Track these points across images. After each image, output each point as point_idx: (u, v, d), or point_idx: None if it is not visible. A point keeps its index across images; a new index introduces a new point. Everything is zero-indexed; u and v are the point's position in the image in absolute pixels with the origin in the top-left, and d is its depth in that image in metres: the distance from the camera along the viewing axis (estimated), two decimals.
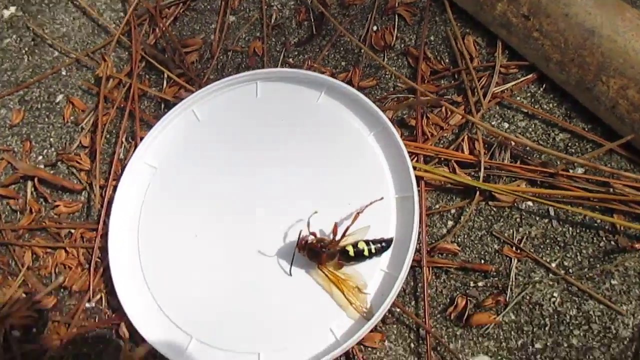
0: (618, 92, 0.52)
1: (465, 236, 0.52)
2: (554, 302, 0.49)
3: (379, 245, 0.48)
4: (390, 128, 0.53)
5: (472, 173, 0.53)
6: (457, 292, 0.50)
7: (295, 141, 0.56)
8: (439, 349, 0.49)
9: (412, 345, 0.50)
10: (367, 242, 0.48)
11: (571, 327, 0.48)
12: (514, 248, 0.51)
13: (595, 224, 0.50)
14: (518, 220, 0.52)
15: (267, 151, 0.56)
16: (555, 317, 0.48)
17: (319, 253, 0.48)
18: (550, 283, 0.49)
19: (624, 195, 0.50)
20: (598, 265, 0.49)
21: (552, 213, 0.52)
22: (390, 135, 0.53)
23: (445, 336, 0.49)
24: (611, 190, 0.50)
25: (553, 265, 0.50)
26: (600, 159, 0.52)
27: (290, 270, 0.50)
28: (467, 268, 0.51)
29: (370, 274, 0.49)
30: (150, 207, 0.57)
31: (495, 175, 0.53)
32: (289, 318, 0.50)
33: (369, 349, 0.50)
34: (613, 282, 0.48)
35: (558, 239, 0.51)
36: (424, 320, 0.49)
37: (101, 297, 0.57)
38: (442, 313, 0.50)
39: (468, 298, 0.50)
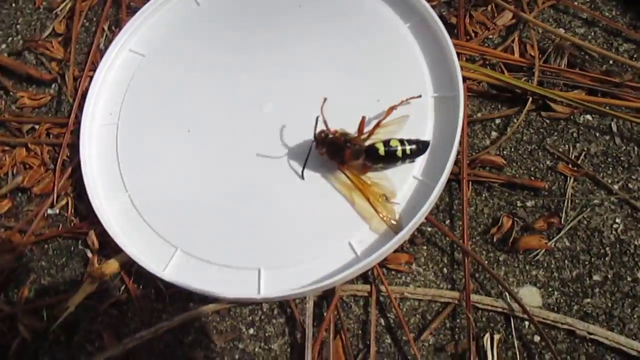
0: None
1: (512, 149, 0.44)
2: (616, 229, 0.41)
3: (414, 146, 0.40)
4: (431, 18, 0.44)
5: (524, 78, 0.45)
6: (502, 212, 0.42)
7: (315, 32, 0.47)
8: (477, 275, 0.41)
9: (445, 270, 0.41)
10: (401, 141, 0.39)
11: (636, 259, 0.40)
12: (570, 165, 0.43)
13: None
14: (575, 135, 0.44)
15: (281, 42, 0.47)
16: (617, 246, 0.40)
17: (342, 149, 0.39)
18: (612, 207, 0.41)
19: None
20: None
21: (614, 129, 0.44)
22: (429, 27, 0.44)
23: (486, 261, 0.41)
24: None
25: (616, 187, 0.42)
26: None
27: (302, 172, 0.41)
28: (515, 184, 0.42)
29: (402, 182, 0.41)
30: (133, 99, 0.48)
31: (550, 82, 0.45)
32: (297, 229, 0.41)
33: (393, 272, 0.41)
34: None
35: (621, 158, 0.43)
36: (461, 240, 0.41)
37: (67, 202, 0.48)
38: (482, 235, 0.42)
39: (515, 219, 0.41)
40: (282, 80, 0.46)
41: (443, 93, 0.43)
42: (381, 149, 0.39)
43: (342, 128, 0.41)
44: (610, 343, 0.38)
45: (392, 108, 0.40)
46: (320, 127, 0.40)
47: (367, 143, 0.40)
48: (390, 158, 0.40)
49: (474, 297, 0.40)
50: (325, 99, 0.41)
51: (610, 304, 0.39)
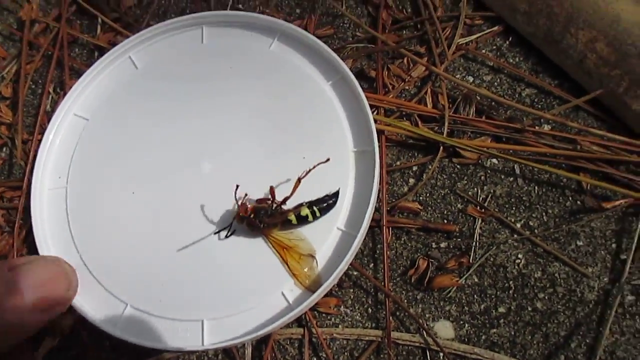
0: (587, 45, 0.49)
1: (428, 195, 0.49)
2: (518, 264, 0.46)
3: (323, 205, 0.44)
4: (349, 76, 0.48)
5: (436, 128, 0.50)
6: (418, 254, 0.47)
7: (245, 91, 0.50)
8: (398, 314, 0.46)
9: (370, 310, 0.46)
10: (310, 205, 0.44)
11: (536, 290, 0.45)
12: (478, 207, 0.48)
13: (562, 183, 0.48)
14: (483, 178, 0.49)
15: (214, 102, 0.51)
16: (520, 279, 0.46)
17: (257, 225, 0.44)
18: (515, 244, 0.46)
19: (591, 153, 0.47)
20: (564, 226, 0.47)
21: (517, 171, 0.49)
22: (348, 84, 0.49)
23: (405, 300, 0.46)
24: (578, 147, 0.48)
25: (518, 225, 0.47)
26: (567, 115, 0.50)
27: (226, 236, 0.45)
28: (430, 228, 0.47)
29: (326, 233, 0.45)
30: (80, 162, 0.51)
31: (460, 131, 0.50)
32: (235, 282, 0.45)
33: (323, 314, 0.46)
34: (579, 243, 0.46)
35: (523, 198, 0.48)
36: (383, 283, 0.46)
37: None
38: (402, 276, 0.47)
39: (430, 260, 0.46)
40: (218, 138, 0.49)
41: (362, 147, 0.47)
42: (293, 219, 0.44)
43: (257, 201, 0.45)
44: None
45: (300, 179, 0.44)
46: (240, 198, 0.45)
47: (281, 212, 0.44)
48: (303, 222, 0.44)
49: (395, 334, 0.45)
50: (237, 186, 0.45)
51: (513, 333, 0.44)
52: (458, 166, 0.49)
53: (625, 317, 0.44)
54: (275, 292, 0.44)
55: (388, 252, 0.47)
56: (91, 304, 0.46)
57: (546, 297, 0.45)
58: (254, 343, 0.46)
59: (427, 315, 0.45)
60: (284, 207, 0.44)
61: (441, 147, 0.49)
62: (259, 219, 0.43)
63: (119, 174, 0.50)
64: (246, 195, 0.45)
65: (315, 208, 0.43)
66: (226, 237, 0.45)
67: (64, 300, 0.43)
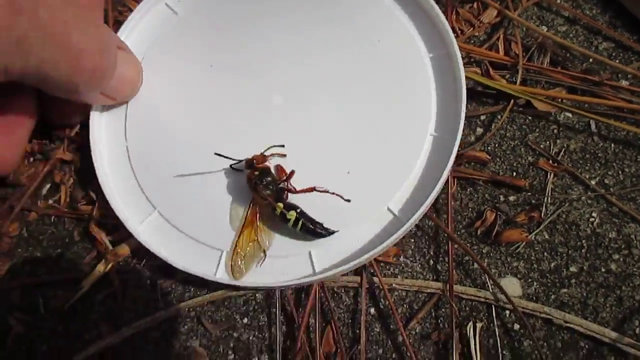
0: None
1: (496, 145, 0.46)
2: (592, 223, 0.43)
3: (310, 226, 0.40)
4: (456, 55, 0.44)
5: (507, 76, 0.47)
6: (486, 206, 0.44)
7: (325, 32, 0.47)
8: (461, 267, 0.43)
9: (432, 262, 0.43)
10: (300, 214, 0.40)
11: (610, 251, 0.42)
12: (550, 161, 0.45)
13: (639, 142, 0.45)
14: (555, 132, 0.46)
15: (291, 37, 0.47)
16: (593, 239, 0.43)
17: (252, 183, 0.41)
18: (589, 202, 0.43)
19: None
20: None
21: (593, 127, 0.46)
22: (452, 62, 0.45)
23: (467, 255, 0.43)
24: None
25: (593, 182, 0.44)
26: None
27: (231, 166, 0.43)
28: (498, 181, 0.44)
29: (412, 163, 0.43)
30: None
31: (533, 80, 0.47)
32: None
33: (382, 264, 0.43)
34: None
35: (599, 154, 0.45)
36: (446, 233, 0.43)
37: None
38: (467, 228, 0.44)
39: (498, 213, 0.43)
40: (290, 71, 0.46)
41: (441, 133, 0.44)
42: (278, 210, 0.41)
43: (275, 167, 0.43)
44: (585, 331, 0.40)
45: (314, 189, 0.41)
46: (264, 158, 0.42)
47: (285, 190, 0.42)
48: (284, 221, 0.41)
49: (458, 288, 0.42)
50: (272, 146, 0.43)
51: (585, 294, 0.41)
52: (529, 118, 0.46)
53: None
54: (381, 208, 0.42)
55: (453, 203, 0.44)
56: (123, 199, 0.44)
57: (621, 259, 0.42)
58: (303, 289, 0.42)
59: (493, 271, 0.42)
60: (287, 189, 0.42)
61: (513, 98, 0.46)
62: (261, 178, 0.41)
63: (183, 106, 0.47)
64: (273, 155, 0.42)
65: (301, 222, 0.40)
66: (230, 166, 0.43)
67: (135, 92, 0.46)
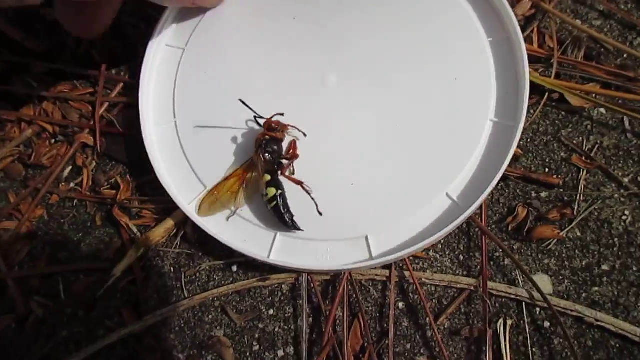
0: None
1: (529, 140, 0.45)
2: (624, 221, 0.42)
3: (281, 209, 0.40)
4: (518, 38, 0.43)
5: (541, 70, 0.46)
6: (517, 202, 0.43)
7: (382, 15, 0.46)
8: (492, 263, 0.42)
9: (462, 257, 0.43)
10: (280, 196, 0.40)
11: None
12: (583, 157, 0.44)
13: None
14: (589, 127, 0.45)
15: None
16: (626, 237, 0.42)
17: (257, 143, 0.41)
18: (622, 200, 0.43)
19: None
20: None
21: (627, 124, 0.45)
22: (513, 46, 0.44)
23: (501, 250, 0.42)
24: None
25: (626, 180, 0.43)
26: None
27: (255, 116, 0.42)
28: (531, 179, 0.43)
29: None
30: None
31: (567, 75, 0.46)
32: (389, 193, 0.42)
33: (411, 258, 0.42)
34: None
35: (632, 152, 0.44)
36: (478, 229, 0.42)
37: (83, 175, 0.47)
38: (498, 224, 0.43)
39: (530, 209, 0.43)
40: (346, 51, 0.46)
41: (504, 120, 0.42)
42: (264, 180, 0.40)
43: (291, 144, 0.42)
44: (616, 330, 0.40)
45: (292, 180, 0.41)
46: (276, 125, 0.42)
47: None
48: (262, 194, 0.41)
49: (490, 284, 0.41)
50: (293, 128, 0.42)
51: (616, 293, 0.41)
52: (563, 113, 0.46)
53: None
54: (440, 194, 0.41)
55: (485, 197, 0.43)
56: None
57: None
58: (331, 281, 0.42)
59: (524, 267, 0.42)
60: (284, 167, 0.41)
61: (547, 91, 0.45)
62: (268, 144, 0.41)
63: (234, 86, 0.46)
64: (289, 128, 0.42)
65: (274, 203, 0.40)
66: (255, 115, 0.42)
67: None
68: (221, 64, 0.46)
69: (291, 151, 0.42)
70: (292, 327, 0.42)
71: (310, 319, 0.42)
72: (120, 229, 0.45)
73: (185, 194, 0.43)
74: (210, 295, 0.43)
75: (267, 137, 0.41)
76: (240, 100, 0.41)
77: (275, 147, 0.41)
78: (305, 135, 0.43)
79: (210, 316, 0.43)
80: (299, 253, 0.41)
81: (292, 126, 0.42)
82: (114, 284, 0.44)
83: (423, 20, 0.45)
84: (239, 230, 0.42)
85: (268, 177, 0.40)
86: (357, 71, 0.44)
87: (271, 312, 0.43)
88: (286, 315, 0.42)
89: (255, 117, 0.42)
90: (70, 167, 0.48)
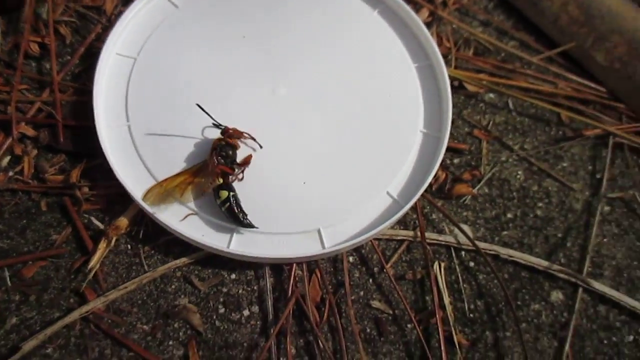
0: (560, 7, 0.58)
1: None
2: (519, 179, 0.52)
3: (233, 210, 0.43)
4: (440, 65, 0.52)
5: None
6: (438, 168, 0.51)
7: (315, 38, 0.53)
8: (423, 218, 0.49)
9: None
10: (233, 198, 0.43)
11: (535, 200, 0.51)
12: (482, 131, 0.53)
13: (546, 117, 0.56)
14: (483, 108, 0.55)
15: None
16: (522, 191, 0.52)
17: (212, 149, 0.45)
18: (515, 163, 0.53)
19: (567, 93, 0.56)
20: (551, 151, 0.54)
21: (510, 105, 0.56)
22: (435, 71, 0.53)
23: (428, 207, 0.50)
24: (559, 86, 0.56)
25: (516, 147, 0.53)
26: (546, 62, 0.58)
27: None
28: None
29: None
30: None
31: (462, 67, 0.56)
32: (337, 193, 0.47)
33: None
34: (564, 164, 0.54)
35: (517, 126, 0.55)
36: None
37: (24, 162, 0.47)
38: None
39: (447, 172, 0.51)
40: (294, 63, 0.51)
41: (431, 131, 0.51)
42: (216, 181, 0.43)
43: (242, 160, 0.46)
44: (525, 262, 0.48)
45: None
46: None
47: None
48: (214, 195, 0.44)
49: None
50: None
51: (521, 235, 0.50)
52: (462, 97, 0.55)
53: (604, 223, 0.51)
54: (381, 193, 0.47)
55: None
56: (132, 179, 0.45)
57: (544, 206, 0.51)
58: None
59: (447, 220, 0.49)
60: (234, 171, 0.45)
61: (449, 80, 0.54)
62: (223, 149, 0.44)
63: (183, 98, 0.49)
64: (246, 135, 0.46)
65: (227, 204, 0.43)
66: (213, 122, 0.46)
67: None
68: (173, 73, 0.49)
69: (245, 162, 0.45)
70: (255, 288, 0.45)
71: (272, 279, 0.45)
72: (71, 214, 0.45)
73: (141, 188, 0.45)
74: (172, 266, 0.44)
75: (222, 142, 0.44)
76: (198, 105, 0.45)
77: (230, 153, 0.44)
78: (261, 147, 0.47)
79: (173, 286, 0.44)
80: (257, 243, 0.44)
81: (249, 135, 0.46)
82: (64, 266, 0.43)
83: (359, 45, 0.53)
84: (196, 226, 0.44)
85: (220, 181, 0.43)
86: (304, 86, 0.50)
87: (233, 276, 0.45)
88: (248, 277, 0.45)
89: (213, 123, 0.45)
90: (8, 157, 0.47)
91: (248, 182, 0.45)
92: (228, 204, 0.42)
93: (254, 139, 0.46)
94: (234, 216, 0.43)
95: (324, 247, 0.44)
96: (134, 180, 0.45)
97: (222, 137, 0.45)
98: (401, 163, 0.48)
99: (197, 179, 0.44)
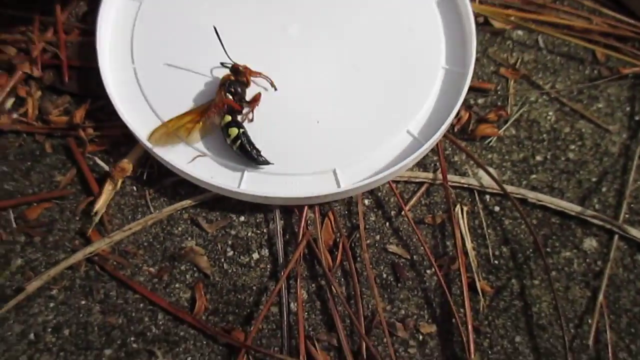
0: None
1: None
2: (549, 120, 0.48)
3: (247, 148, 0.41)
4: None
5: None
6: (460, 108, 0.48)
7: None
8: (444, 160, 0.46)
9: None
10: (243, 135, 0.41)
11: (567, 143, 0.48)
12: (509, 69, 0.50)
13: (580, 55, 0.51)
14: (511, 46, 0.51)
15: None
16: (552, 133, 0.48)
17: (221, 84, 0.42)
18: (545, 103, 0.49)
19: (603, 29, 0.51)
20: (585, 91, 0.50)
21: (540, 43, 0.52)
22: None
23: (450, 148, 0.46)
24: (593, 22, 0.52)
25: (547, 87, 0.49)
26: None
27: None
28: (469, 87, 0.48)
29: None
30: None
31: (488, 2, 0.52)
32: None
33: None
34: (599, 105, 0.49)
35: (548, 65, 0.51)
36: None
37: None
38: None
39: (471, 112, 0.47)
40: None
41: (453, 67, 0.47)
42: (224, 120, 0.41)
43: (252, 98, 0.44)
44: (556, 207, 0.45)
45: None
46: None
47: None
48: (224, 133, 0.42)
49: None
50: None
51: (551, 179, 0.46)
52: (488, 34, 0.51)
53: None
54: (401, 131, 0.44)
55: None
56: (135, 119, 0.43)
57: (576, 149, 0.47)
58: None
59: (471, 162, 0.46)
60: (242, 108, 0.43)
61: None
62: (232, 85, 0.42)
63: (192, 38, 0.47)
64: (258, 75, 0.44)
65: (239, 142, 0.41)
66: (220, 63, 0.43)
67: None
68: (180, 14, 0.47)
69: (254, 100, 0.43)
70: (265, 231, 0.43)
71: (282, 221, 0.43)
72: (76, 155, 0.44)
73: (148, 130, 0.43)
74: (179, 207, 0.43)
75: (232, 78, 0.42)
76: (215, 29, 0.42)
77: (239, 89, 0.42)
78: (275, 89, 0.44)
79: (179, 228, 0.43)
80: (269, 184, 0.42)
81: (261, 74, 0.43)
82: (69, 208, 0.42)
83: None
84: (205, 167, 0.42)
85: (229, 118, 0.41)
86: (317, 22, 0.47)
87: (242, 218, 0.43)
88: (257, 220, 0.43)
89: (223, 62, 0.43)
90: (12, 99, 0.46)
91: (258, 122, 0.43)
92: (239, 141, 0.40)
93: (268, 79, 0.44)
94: (247, 153, 0.40)
95: (339, 187, 0.41)
96: (139, 121, 0.43)
97: (232, 73, 0.42)
98: (422, 101, 0.45)
99: (204, 119, 0.42)
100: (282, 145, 0.43)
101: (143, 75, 0.45)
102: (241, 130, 0.41)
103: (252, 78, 0.43)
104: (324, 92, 0.45)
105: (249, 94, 0.44)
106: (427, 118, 0.45)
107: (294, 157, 0.42)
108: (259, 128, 0.43)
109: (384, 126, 0.44)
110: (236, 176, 0.42)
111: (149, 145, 0.41)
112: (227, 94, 0.42)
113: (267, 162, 0.41)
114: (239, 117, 0.42)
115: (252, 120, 0.43)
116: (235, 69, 0.43)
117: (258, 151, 0.41)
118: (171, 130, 0.41)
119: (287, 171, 0.42)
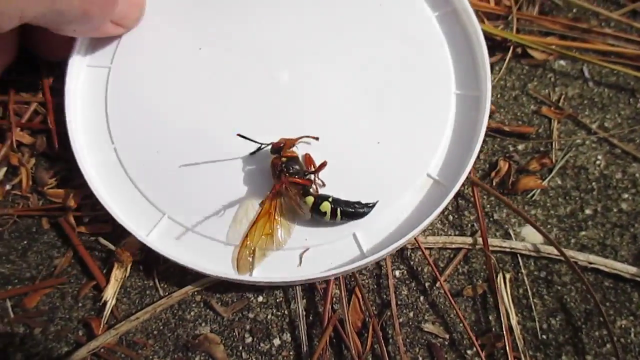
0: None
1: (498, 96, 0.45)
2: (599, 165, 0.43)
3: (350, 210, 0.37)
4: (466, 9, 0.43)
5: (502, 26, 0.46)
6: (497, 157, 0.43)
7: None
8: (479, 221, 0.41)
9: (451, 217, 0.41)
10: (334, 202, 0.36)
11: (619, 191, 0.42)
12: (552, 108, 0.44)
13: (630, 85, 0.45)
14: (552, 79, 0.46)
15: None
16: (602, 180, 0.43)
17: (278, 170, 0.37)
18: (593, 145, 0.44)
19: None
20: (638, 128, 0.44)
21: (586, 73, 0.46)
22: (459, 17, 0.43)
23: (488, 205, 0.41)
24: None
25: (594, 126, 0.44)
26: (629, 17, 0.48)
27: (251, 153, 0.39)
28: (504, 131, 0.43)
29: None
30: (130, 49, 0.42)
31: (526, 30, 0.46)
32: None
33: None
34: None
35: (595, 99, 0.45)
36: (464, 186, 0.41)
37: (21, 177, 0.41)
38: (482, 180, 0.42)
39: (510, 162, 0.42)
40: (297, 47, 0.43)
41: (466, 91, 0.42)
42: (309, 202, 0.36)
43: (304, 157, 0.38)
44: (609, 270, 0.40)
45: (324, 164, 0.38)
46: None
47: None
48: (318, 214, 0.37)
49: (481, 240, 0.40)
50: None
51: (602, 235, 0.41)
52: (527, 67, 0.46)
53: None
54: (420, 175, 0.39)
55: None
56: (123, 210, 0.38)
57: (630, 198, 0.42)
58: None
59: (512, 220, 0.41)
60: (313, 179, 0.38)
61: (511, 47, 0.45)
62: (288, 166, 0.36)
63: (172, 92, 0.42)
64: (298, 140, 0.38)
65: (338, 210, 0.36)
66: (250, 153, 0.39)
67: (142, 14, 0.42)
68: (156, 78, 0.42)
69: (310, 164, 0.38)
70: (286, 312, 0.39)
71: (304, 300, 0.39)
72: (72, 239, 0.40)
73: (145, 224, 0.38)
74: (190, 290, 0.38)
75: (283, 159, 0.37)
76: (239, 135, 0.37)
77: (297, 166, 0.37)
78: (317, 139, 0.39)
79: (192, 313, 0.39)
80: (283, 264, 0.37)
81: (300, 137, 0.38)
82: (68, 292, 0.38)
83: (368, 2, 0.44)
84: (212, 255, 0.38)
85: (311, 199, 0.36)
86: (307, 66, 0.42)
87: (260, 298, 0.39)
88: (277, 300, 0.39)
89: (260, 147, 0.38)
90: (4, 169, 0.42)
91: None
92: (338, 210, 0.36)
93: (308, 136, 0.39)
94: (352, 215, 0.37)
95: (363, 254, 0.37)
96: (134, 218, 0.38)
97: (277, 154, 0.37)
98: (439, 135, 0.40)
99: (277, 214, 0.36)
100: None
101: (127, 157, 0.40)
102: (330, 199, 0.36)
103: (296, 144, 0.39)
104: (328, 148, 0.39)
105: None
106: (445, 156, 0.40)
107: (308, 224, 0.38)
108: None
109: (400, 174, 0.39)
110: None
111: (157, 245, 0.36)
112: (291, 175, 0.36)
113: (374, 203, 0.37)
114: (311, 190, 0.37)
115: (323, 185, 0.38)
116: (276, 148, 0.37)
117: (359, 203, 0.37)
118: (255, 248, 0.36)
119: (299, 244, 0.37)
